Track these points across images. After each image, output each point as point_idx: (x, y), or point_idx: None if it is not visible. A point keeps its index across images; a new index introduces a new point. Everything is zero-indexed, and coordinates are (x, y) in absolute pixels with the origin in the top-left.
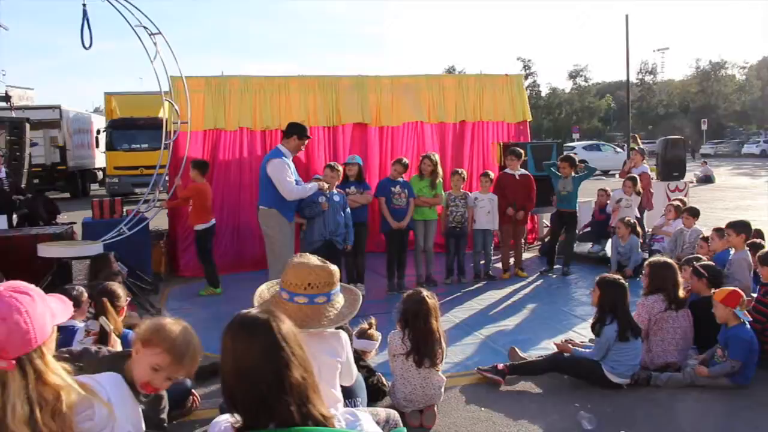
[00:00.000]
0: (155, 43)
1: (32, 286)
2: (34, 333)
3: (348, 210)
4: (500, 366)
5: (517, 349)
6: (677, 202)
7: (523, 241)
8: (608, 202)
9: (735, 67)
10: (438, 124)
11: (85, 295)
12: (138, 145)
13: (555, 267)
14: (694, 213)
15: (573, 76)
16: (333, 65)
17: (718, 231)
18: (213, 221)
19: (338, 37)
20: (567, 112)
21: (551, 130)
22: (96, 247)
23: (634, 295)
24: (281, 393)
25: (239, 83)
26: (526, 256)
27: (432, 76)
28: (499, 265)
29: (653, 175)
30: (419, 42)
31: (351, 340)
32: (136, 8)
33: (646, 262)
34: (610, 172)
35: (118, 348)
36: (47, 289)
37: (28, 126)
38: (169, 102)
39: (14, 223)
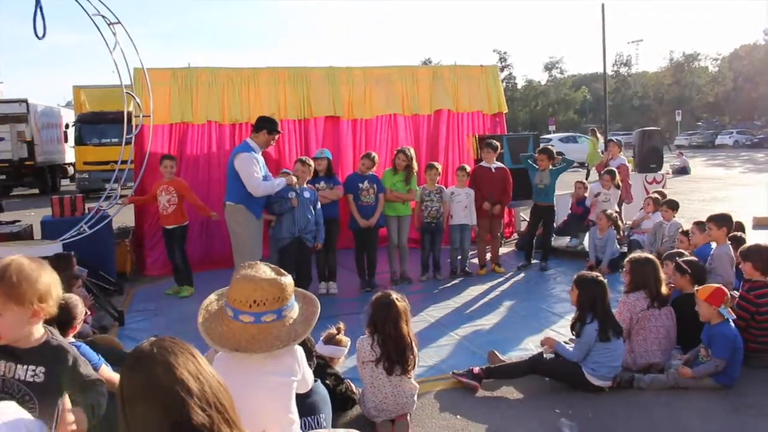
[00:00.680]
0: (114, 33)
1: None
2: None
3: (319, 206)
4: (476, 370)
5: (497, 352)
6: (656, 195)
7: (499, 235)
8: (586, 195)
9: (708, 59)
10: (412, 116)
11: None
12: (108, 140)
13: (533, 262)
14: (674, 206)
15: (549, 68)
16: (304, 55)
17: (698, 225)
18: None
19: (309, 25)
20: (543, 104)
21: (528, 123)
22: (54, 247)
23: (614, 290)
24: None
25: (206, 75)
26: (503, 250)
27: (405, 67)
28: (476, 260)
29: (631, 167)
30: (394, 35)
31: (313, 349)
32: None
33: (627, 259)
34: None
35: None
36: None
37: None
38: (130, 94)
39: None
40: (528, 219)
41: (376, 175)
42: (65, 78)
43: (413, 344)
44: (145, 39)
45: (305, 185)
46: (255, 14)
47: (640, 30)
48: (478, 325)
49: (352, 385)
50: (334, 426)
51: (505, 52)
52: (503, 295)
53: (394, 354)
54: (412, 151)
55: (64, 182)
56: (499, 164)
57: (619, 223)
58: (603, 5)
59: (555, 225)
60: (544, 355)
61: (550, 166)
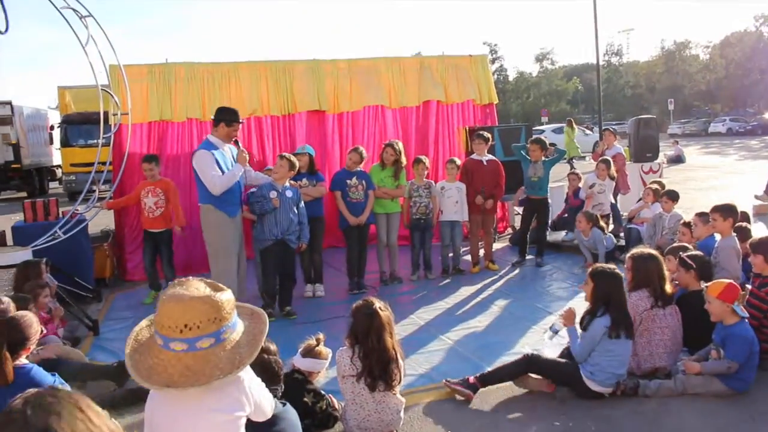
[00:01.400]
0: (86, 26)
1: None
2: None
3: (302, 205)
4: (471, 379)
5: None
6: (655, 185)
7: (493, 230)
8: (580, 185)
9: (699, 46)
10: (400, 108)
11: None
12: (94, 141)
13: (527, 257)
14: (674, 196)
15: (540, 59)
16: (289, 51)
17: (701, 216)
18: None
19: (295, 20)
20: (535, 95)
21: (520, 114)
22: (23, 254)
23: None
24: None
25: (184, 70)
26: (496, 246)
27: (392, 58)
28: (469, 257)
29: (626, 156)
30: (383, 29)
31: (279, 372)
32: None
33: (629, 255)
34: (581, 154)
35: None
36: None
37: None
38: (106, 92)
39: None
40: (521, 213)
41: (365, 171)
42: (56, 79)
43: (398, 357)
44: (123, 37)
45: (287, 183)
46: (242, 9)
47: (631, 19)
48: (470, 327)
49: (334, 400)
50: None
51: (495, 45)
52: (497, 294)
53: (377, 369)
54: (401, 145)
55: (53, 185)
56: (491, 156)
57: (601, 223)
58: None
59: (549, 219)
60: (548, 339)
61: (543, 158)
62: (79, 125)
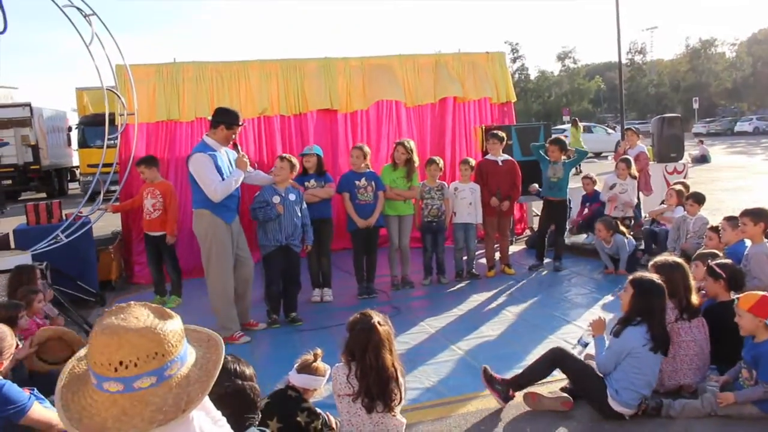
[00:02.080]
0: (90, 24)
1: None
2: None
3: (304, 206)
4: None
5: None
6: (679, 186)
7: (510, 232)
8: (596, 189)
9: (725, 44)
10: (415, 107)
11: None
12: (110, 141)
13: (545, 261)
14: (699, 199)
15: (561, 58)
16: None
17: (730, 220)
18: None
19: (307, 18)
20: (557, 94)
21: (541, 114)
22: (21, 258)
23: None
24: None
25: (193, 70)
26: (512, 249)
27: (406, 56)
28: (484, 261)
29: (650, 156)
30: (401, 28)
31: (257, 398)
32: None
33: (651, 263)
34: (603, 154)
35: None
36: None
37: None
38: (112, 92)
39: None
40: (539, 214)
41: (374, 171)
42: (78, 82)
43: (398, 375)
44: (129, 37)
45: (290, 185)
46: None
47: (655, 17)
48: (483, 336)
49: (331, 418)
50: None
51: (516, 44)
52: (512, 300)
53: (375, 388)
54: (413, 144)
55: (72, 185)
56: (507, 156)
57: (622, 228)
58: None
59: (568, 221)
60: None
61: (563, 158)
62: (96, 126)
